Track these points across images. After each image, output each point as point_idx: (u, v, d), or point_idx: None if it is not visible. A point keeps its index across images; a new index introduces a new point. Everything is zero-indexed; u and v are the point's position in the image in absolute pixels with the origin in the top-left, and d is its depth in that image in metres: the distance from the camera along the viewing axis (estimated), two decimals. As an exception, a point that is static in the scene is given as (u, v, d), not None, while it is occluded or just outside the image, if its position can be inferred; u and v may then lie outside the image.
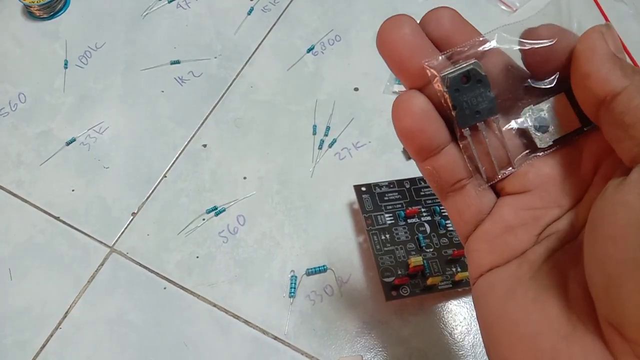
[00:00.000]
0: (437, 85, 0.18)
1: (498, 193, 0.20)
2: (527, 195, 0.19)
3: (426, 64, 0.18)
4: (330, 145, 0.46)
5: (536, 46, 0.18)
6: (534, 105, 0.19)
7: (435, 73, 0.18)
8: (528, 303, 0.18)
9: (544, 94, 0.19)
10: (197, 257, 0.42)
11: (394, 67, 0.19)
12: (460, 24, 0.19)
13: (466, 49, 0.18)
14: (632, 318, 0.15)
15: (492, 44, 0.18)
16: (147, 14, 0.53)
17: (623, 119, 0.16)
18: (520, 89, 0.19)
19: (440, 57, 0.18)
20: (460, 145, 0.19)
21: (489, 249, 0.20)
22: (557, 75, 0.19)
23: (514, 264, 0.19)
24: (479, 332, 0.40)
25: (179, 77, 0.50)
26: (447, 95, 0.18)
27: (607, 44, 0.17)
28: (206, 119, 0.48)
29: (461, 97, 0.18)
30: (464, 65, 0.18)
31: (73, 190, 0.45)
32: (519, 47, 0.18)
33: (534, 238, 0.19)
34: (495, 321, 0.19)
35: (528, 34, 0.18)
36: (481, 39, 0.19)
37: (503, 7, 0.52)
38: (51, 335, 0.39)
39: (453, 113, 0.18)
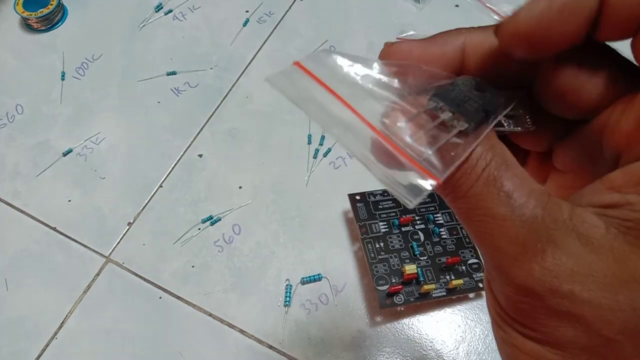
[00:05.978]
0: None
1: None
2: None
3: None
4: (325, 155, 0.46)
5: None
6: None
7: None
8: None
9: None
10: (193, 266, 0.42)
11: None
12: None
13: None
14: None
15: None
16: (143, 25, 0.54)
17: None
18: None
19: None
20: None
21: None
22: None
23: None
24: (473, 340, 0.40)
25: (175, 88, 0.50)
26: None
27: None
28: (202, 129, 0.48)
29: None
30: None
31: (69, 201, 0.45)
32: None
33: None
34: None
35: None
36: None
37: (496, 17, 0.52)
38: (47, 346, 0.39)
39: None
